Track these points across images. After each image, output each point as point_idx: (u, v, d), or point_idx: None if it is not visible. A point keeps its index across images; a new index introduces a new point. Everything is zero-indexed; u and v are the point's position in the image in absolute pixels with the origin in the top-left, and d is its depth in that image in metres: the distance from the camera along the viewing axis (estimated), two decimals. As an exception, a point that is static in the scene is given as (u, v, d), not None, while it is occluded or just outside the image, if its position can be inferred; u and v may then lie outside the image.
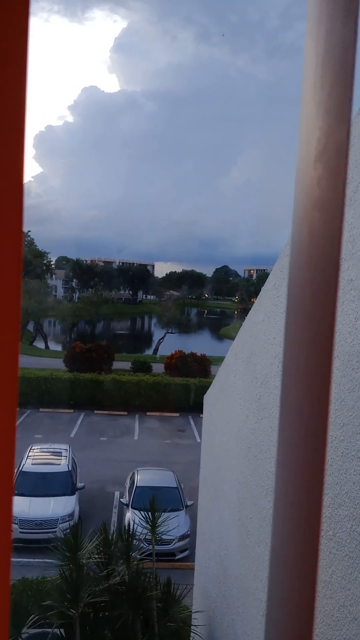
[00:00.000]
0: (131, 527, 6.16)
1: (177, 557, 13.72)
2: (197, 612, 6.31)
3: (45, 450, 17.77)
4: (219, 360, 6.23)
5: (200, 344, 55.37)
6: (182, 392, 29.40)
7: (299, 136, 0.31)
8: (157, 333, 63.84)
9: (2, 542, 0.33)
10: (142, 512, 6.35)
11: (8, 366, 0.32)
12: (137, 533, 6.10)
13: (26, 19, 0.36)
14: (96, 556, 5.69)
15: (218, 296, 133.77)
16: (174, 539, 13.54)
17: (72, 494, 15.65)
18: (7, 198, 0.34)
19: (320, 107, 0.29)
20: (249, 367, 4.63)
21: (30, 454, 17.25)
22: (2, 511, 0.32)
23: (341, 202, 0.28)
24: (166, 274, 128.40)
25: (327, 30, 0.29)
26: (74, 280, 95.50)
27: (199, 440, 18.28)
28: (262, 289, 4.56)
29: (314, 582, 0.32)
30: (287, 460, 0.34)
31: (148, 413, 28.51)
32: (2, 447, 0.33)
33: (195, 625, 6.08)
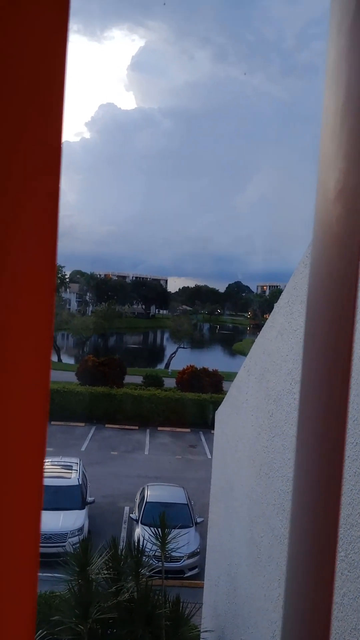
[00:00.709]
0: (141, 543, 6.12)
1: (186, 575, 13.59)
2: (206, 631, 6.23)
3: (56, 463, 17.77)
4: (232, 376, 6.23)
5: (212, 359, 55.28)
6: (193, 407, 29.31)
7: (319, 175, 0.32)
8: (170, 348, 63.85)
9: (31, 556, 0.34)
10: (151, 528, 6.32)
11: (40, 383, 0.34)
12: (147, 549, 6.06)
13: (65, 39, 0.38)
14: (105, 572, 5.66)
15: (231, 312, 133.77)
16: (183, 556, 13.42)
17: (82, 508, 15.61)
18: (44, 215, 0.35)
19: (340, 148, 0.31)
20: (262, 384, 4.62)
21: (41, 467, 17.24)
22: (30, 526, 0.34)
23: (358, 241, 0.30)
24: (179, 289, 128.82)
25: (347, 76, 0.31)
26: (88, 294, 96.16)
27: (209, 457, 18.19)
28: (275, 305, 4.56)
29: (329, 604, 0.33)
30: (304, 479, 0.36)
31: (159, 428, 28.44)
32: (32, 463, 0.34)
33: (204, 645, 6.00)
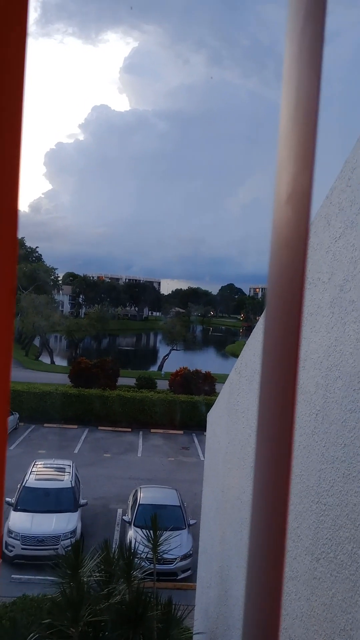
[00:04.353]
0: (133, 545, 6.10)
1: (179, 577, 13.57)
2: (198, 633, 6.23)
3: (48, 466, 17.72)
4: (224, 377, 6.24)
5: (205, 361, 55.30)
6: (186, 409, 29.31)
7: (275, 178, 0.33)
8: (162, 349, 63.82)
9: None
10: (143, 531, 6.31)
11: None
12: (139, 551, 6.04)
13: (24, 43, 0.38)
14: (97, 574, 5.64)
15: (223, 314, 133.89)
16: (176, 558, 13.40)
17: (75, 510, 15.56)
18: (3, 214, 0.36)
19: (291, 152, 0.31)
20: (252, 386, 4.63)
21: (34, 469, 17.19)
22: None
23: (304, 244, 0.31)
24: (172, 291, 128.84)
25: (298, 81, 0.32)
26: (81, 296, 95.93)
27: (202, 458, 18.19)
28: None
29: (279, 597, 0.33)
30: (260, 476, 0.36)
31: (152, 430, 28.42)
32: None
33: (195, 647, 6.00)
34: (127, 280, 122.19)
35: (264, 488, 0.36)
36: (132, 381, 35.31)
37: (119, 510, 17.35)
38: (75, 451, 23.83)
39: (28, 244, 79.25)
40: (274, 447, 0.34)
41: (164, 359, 49.92)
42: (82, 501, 16.20)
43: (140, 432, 27.90)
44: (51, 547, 13.69)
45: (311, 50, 0.30)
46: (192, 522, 14.65)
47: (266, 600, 0.34)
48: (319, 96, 0.29)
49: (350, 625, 2.61)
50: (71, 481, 16.65)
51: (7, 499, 15.54)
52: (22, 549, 14.01)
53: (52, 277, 74.61)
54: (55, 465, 17.80)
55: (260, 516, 0.36)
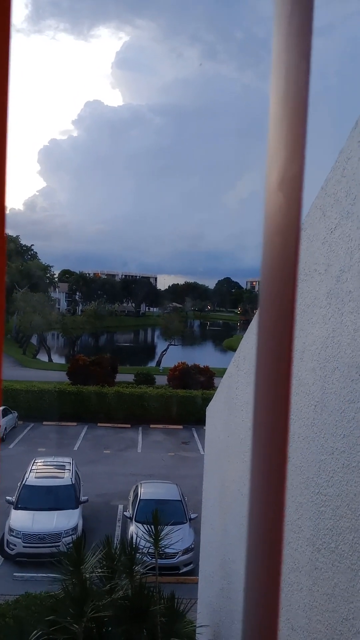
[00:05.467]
0: (134, 540, 6.12)
1: (181, 571, 13.61)
2: (201, 626, 6.25)
3: (48, 463, 17.72)
4: (223, 372, 6.24)
5: (203, 355, 55.37)
6: (185, 404, 29.34)
7: (266, 165, 0.33)
8: (160, 345, 63.81)
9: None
10: (145, 526, 6.32)
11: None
12: (141, 546, 6.06)
13: (7, 41, 0.37)
14: (99, 570, 5.66)
15: (221, 308, 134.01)
16: (177, 553, 13.44)
17: (76, 507, 15.58)
18: None
19: (282, 138, 0.31)
20: (251, 379, 4.63)
21: (34, 467, 17.20)
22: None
23: (296, 230, 0.31)
24: (169, 286, 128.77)
25: (287, 65, 0.32)
26: (77, 293, 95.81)
27: (202, 453, 18.22)
28: (263, 300, 4.57)
29: (277, 587, 0.33)
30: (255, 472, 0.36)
31: (152, 425, 28.44)
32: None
33: (199, 640, 6.02)
34: (123, 276, 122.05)
35: (260, 479, 0.36)
36: (130, 377, 35.33)
37: (120, 507, 17.38)
38: (75, 448, 23.85)
39: (23, 242, 79.08)
40: (270, 438, 0.34)
41: (162, 355, 49.93)
42: (83, 498, 16.22)
43: (140, 428, 27.93)
44: (53, 544, 13.72)
45: (300, 37, 0.30)
46: (193, 516, 14.69)
47: (265, 590, 0.34)
48: (308, 81, 0.29)
49: (353, 615, 2.62)
50: (71, 478, 16.67)
51: (8, 498, 15.56)
52: (24, 547, 14.03)
53: (48, 274, 74.50)
54: (55, 463, 17.81)
55: (257, 507, 0.36)
